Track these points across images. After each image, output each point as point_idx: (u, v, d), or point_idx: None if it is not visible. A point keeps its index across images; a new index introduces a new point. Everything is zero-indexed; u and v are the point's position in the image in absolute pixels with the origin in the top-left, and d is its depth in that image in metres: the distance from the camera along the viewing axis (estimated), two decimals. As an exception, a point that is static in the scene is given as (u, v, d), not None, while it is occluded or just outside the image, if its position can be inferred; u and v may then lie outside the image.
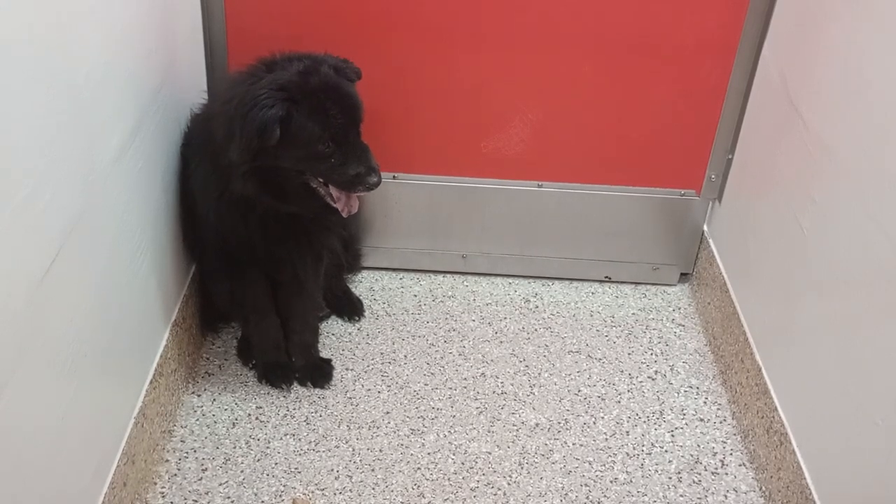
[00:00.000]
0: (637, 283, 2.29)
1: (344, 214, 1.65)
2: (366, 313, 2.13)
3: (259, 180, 1.60)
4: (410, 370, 1.97)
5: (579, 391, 1.95)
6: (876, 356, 1.38)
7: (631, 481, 1.74)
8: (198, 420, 1.82)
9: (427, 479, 1.72)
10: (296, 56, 1.60)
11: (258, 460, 1.73)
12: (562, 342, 2.09)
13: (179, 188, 1.78)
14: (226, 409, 1.85)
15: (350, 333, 2.08)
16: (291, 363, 1.94)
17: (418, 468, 1.74)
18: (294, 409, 1.86)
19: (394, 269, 2.28)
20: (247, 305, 1.87)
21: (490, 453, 1.78)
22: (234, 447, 1.76)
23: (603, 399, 1.93)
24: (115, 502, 1.46)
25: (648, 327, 2.15)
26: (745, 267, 1.95)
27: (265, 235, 1.72)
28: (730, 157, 2.08)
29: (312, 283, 1.87)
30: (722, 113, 2.02)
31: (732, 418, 1.90)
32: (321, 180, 1.64)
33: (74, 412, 1.29)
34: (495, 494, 1.70)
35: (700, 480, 1.75)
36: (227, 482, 1.68)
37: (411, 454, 1.77)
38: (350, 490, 1.68)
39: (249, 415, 1.84)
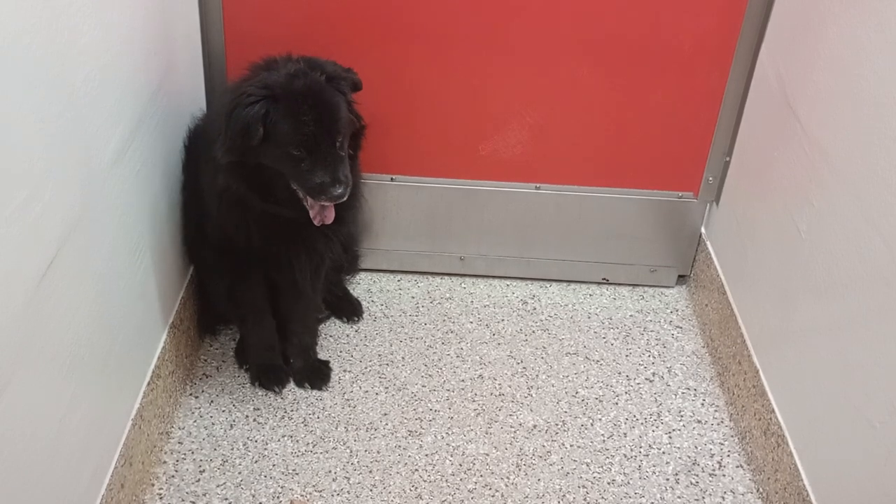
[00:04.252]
0: (635, 285, 2.29)
1: (316, 223, 1.65)
2: (364, 315, 2.13)
3: (242, 177, 1.61)
4: (408, 372, 1.98)
5: (577, 393, 1.95)
6: (873, 358, 1.38)
7: (628, 483, 1.74)
8: (195, 422, 1.82)
9: (425, 481, 1.72)
10: (296, 58, 1.62)
11: (256, 462, 1.73)
12: (559, 344, 2.09)
13: (189, 184, 1.79)
14: (223, 411, 1.85)
15: (348, 335, 2.08)
16: (285, 365, 1.94)
17: (416, 470, 1.74)
18: (292, 410, 1.86)
19: (392, 271, 2.28)
20: (245, 305, 1.87)
21: (488, 455, 1.78)
22: (232, 449, 1.76)
23: (600, 401, 1.93)
24: (112, 504, 1.47)
25: (646, 329, 2.15)
26: (743, 269, 1.95)
27: (263, 237, 1.72)
28: (727, 159, 2.08)
29: (311, 287, 1.87)
30: (719, 115, 2.02)
31: (730, 420, 1.90)
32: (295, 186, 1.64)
33: (73, 414, 1.29)
34: (493, 496, 1.70)
35: (697, 482, 1.76)
36: (224, 484, 1.69)
37: (409, 456, 1.77)
38: (348, 492, 1.69)
39: (247, 416, 1.84)
